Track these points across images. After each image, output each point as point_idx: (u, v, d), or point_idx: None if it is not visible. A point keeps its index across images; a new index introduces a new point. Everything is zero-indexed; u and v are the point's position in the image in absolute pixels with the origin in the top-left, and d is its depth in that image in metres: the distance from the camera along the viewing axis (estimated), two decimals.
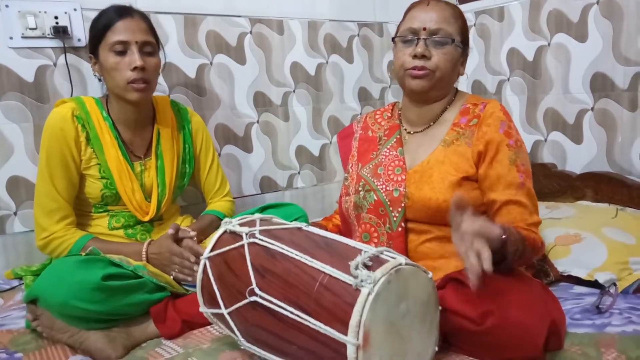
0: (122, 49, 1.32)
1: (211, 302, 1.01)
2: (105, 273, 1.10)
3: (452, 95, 1.27)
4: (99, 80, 1.40)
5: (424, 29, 1.18)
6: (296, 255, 0.91)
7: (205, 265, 1.02)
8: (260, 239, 0.97)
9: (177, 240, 1.35)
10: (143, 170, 1.44)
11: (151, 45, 1.37)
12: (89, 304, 1.08)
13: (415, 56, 1.17)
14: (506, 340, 0.94)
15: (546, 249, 1.43)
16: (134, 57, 1.32)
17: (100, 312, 1.10)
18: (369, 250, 0.90)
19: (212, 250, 1.02)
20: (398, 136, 1.29)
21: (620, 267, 1.33)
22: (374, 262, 0.86)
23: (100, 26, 1.34)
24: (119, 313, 1.14)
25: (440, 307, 0.95)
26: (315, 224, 1.40)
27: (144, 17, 1.39)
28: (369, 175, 1.26)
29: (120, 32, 1.32)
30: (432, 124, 1.26)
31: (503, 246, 1.02)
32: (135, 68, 1.32)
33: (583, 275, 1.33)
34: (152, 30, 1.40)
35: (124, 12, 1.35)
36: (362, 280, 0.81)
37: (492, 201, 1.15)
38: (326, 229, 1.37)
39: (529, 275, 1.18)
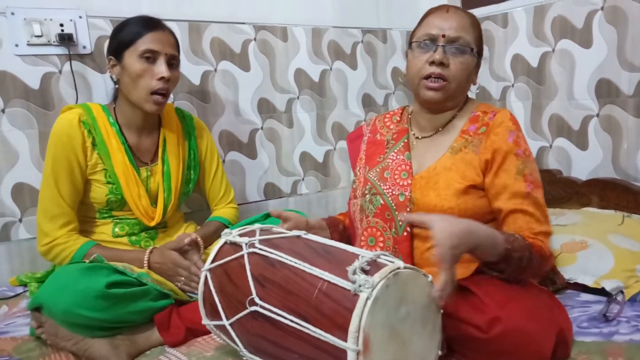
0: (152, 57, 1.35)
1: (213, 313, 1.01)
2: (109, 281, 1.10)
3: (462, 102, 1.26)
4: (115, 83, 1.41)
5: (443, 35, 1.16)
6: (295, 263, 0.91)
7: (206, 277, 1.02)
8: (259, 249, 0.97)
9: (181, 252, 1.35)
10: (149, 175, 1.45)
11: (177, 60, 1.42)
12: (93, 312, 1.08)
13: (432, 62, 1.16)
14: (513, 348, 0.93)
15: None
16: (162, 68, 1.35)
17: (104, 319, 1.10)
18: (366, 255, 0.89)
19: (212, 262, 1.02)
20: (406, 140, 1.28)
21: (627, 274, 1.32)
22: (372, 267, 0.86)
23: (132, 32, 1.36)
24: (123, 321, 1.14)
25: (441, 311, 0.94)
26: (332, 218, 1.40)
27: (172, 33, 1.43)
28: (375, 179, 1.26)
29: (152, 42, 1.35)
30: (440, 129, 1.26)
31: (507, 254, 1.01)
32: (161, 78, 1.35)
33: (590, 282, 1.33)
34: (178, 46, 1.44)
35: (157, 24, 1.39)
36: (360, 285, 0.81)
37: (498, 210, 1.14)
38: (344, 224, 1.38)
39: (535, 283, 1.18)
